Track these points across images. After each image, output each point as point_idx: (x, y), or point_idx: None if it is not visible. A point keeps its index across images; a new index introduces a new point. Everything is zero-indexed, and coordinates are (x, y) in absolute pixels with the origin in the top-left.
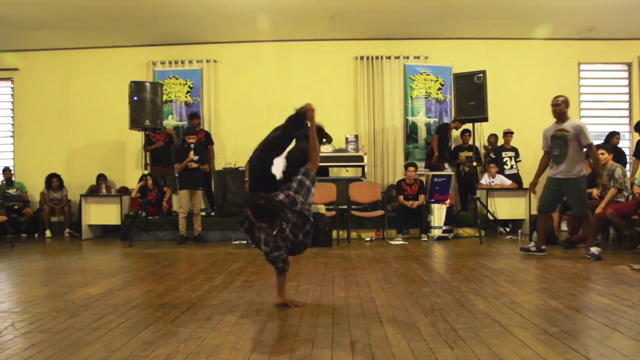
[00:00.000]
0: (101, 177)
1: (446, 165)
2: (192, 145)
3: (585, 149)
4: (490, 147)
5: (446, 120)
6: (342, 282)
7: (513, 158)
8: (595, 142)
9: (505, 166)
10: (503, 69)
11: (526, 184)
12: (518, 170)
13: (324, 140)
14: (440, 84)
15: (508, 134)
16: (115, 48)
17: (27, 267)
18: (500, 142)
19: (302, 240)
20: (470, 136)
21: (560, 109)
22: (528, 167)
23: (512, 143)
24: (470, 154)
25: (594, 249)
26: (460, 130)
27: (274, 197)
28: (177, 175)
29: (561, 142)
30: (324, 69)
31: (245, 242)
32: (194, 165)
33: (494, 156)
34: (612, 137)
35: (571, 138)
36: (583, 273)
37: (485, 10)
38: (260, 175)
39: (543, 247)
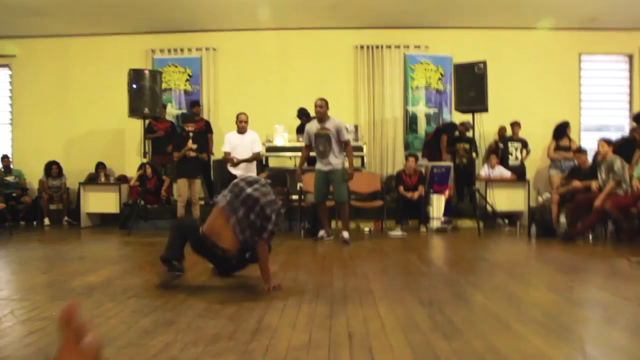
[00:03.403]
0: (100, 166)
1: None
2: (191, 134)
3: (344, 144)
4: (499, 139)
5: (446, 110)
6: (340, 273)
7: (519, 149)
8: (601, 134)
9: (510, 156)
10: (504, 59)
11: (529, 175)
12: (522, 161)
13: None
14: (441, 74)
15: (516, 124)
16: (114, 35)
17: (26, 254)
18: (509, 132)
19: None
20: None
21: (323, 110)
22: (532, 157)
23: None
24: (467, 145)
25: (322, 232)
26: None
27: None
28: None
29: (324, 140)
30: (324, 58)
31: None
32: (193, 154)
33: (502, 146)
34: None
35: (333, 135)
36: (581, 266)
37: (486, 0)
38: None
39: (322, 233)
